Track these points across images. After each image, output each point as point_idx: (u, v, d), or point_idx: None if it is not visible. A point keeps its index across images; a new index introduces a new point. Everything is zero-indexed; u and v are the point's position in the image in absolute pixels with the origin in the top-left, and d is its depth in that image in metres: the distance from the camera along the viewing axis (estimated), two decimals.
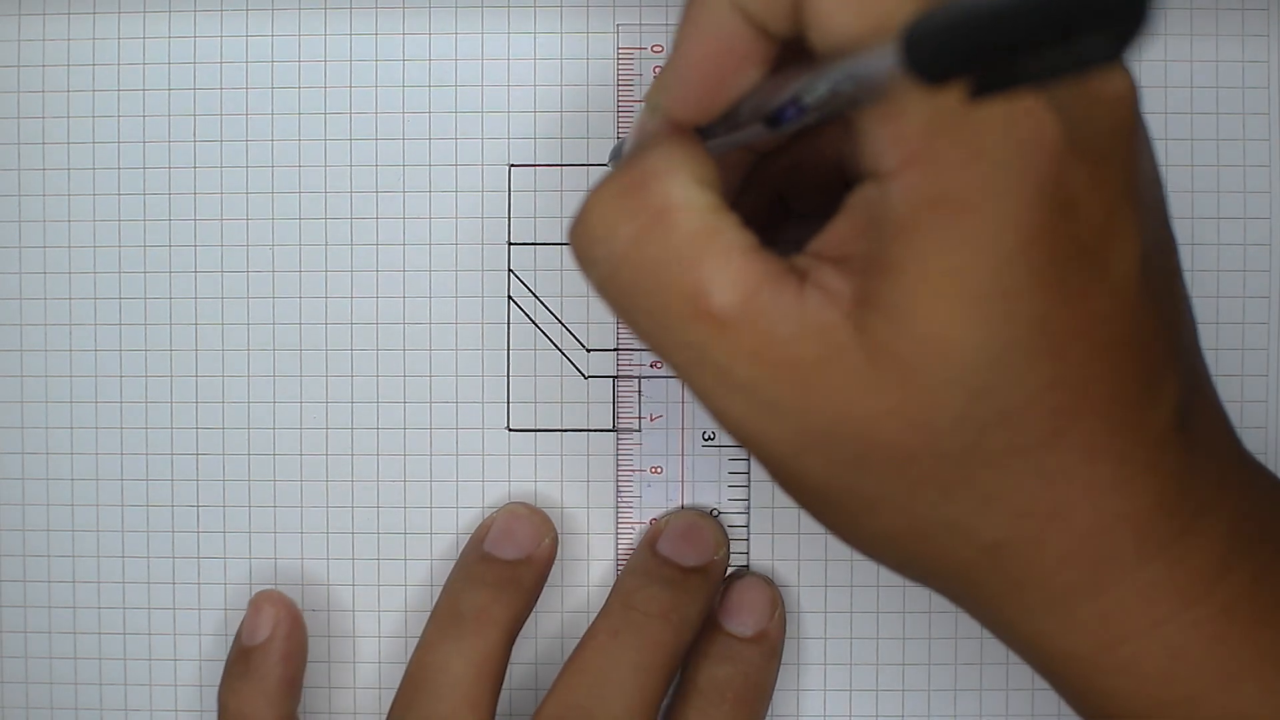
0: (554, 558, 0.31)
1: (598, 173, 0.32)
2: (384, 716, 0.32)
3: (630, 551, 0.32)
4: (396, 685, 0.31)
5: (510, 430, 0.32)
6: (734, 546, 0.32)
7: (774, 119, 0.21)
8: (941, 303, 0.19)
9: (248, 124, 0.32)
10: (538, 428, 0.32)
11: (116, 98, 0.32)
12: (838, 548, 0.32)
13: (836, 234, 0.21)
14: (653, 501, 0.32)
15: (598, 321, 0.32)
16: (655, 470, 0.32)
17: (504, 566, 0.30)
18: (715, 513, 0.32)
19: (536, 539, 0.31)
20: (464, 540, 0.32)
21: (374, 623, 0.32)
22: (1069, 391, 0.20)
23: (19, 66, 0.32)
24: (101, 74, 0.32)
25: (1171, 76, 0.32)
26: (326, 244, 0.32)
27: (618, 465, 0.32)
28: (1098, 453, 0.21)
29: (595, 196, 0.22)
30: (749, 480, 0.32)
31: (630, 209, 0.21)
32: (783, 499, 0.32)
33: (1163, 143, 0.32)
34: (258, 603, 0.31)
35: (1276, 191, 0.32)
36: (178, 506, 0.32)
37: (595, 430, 0.32)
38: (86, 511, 0.32)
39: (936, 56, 0.16)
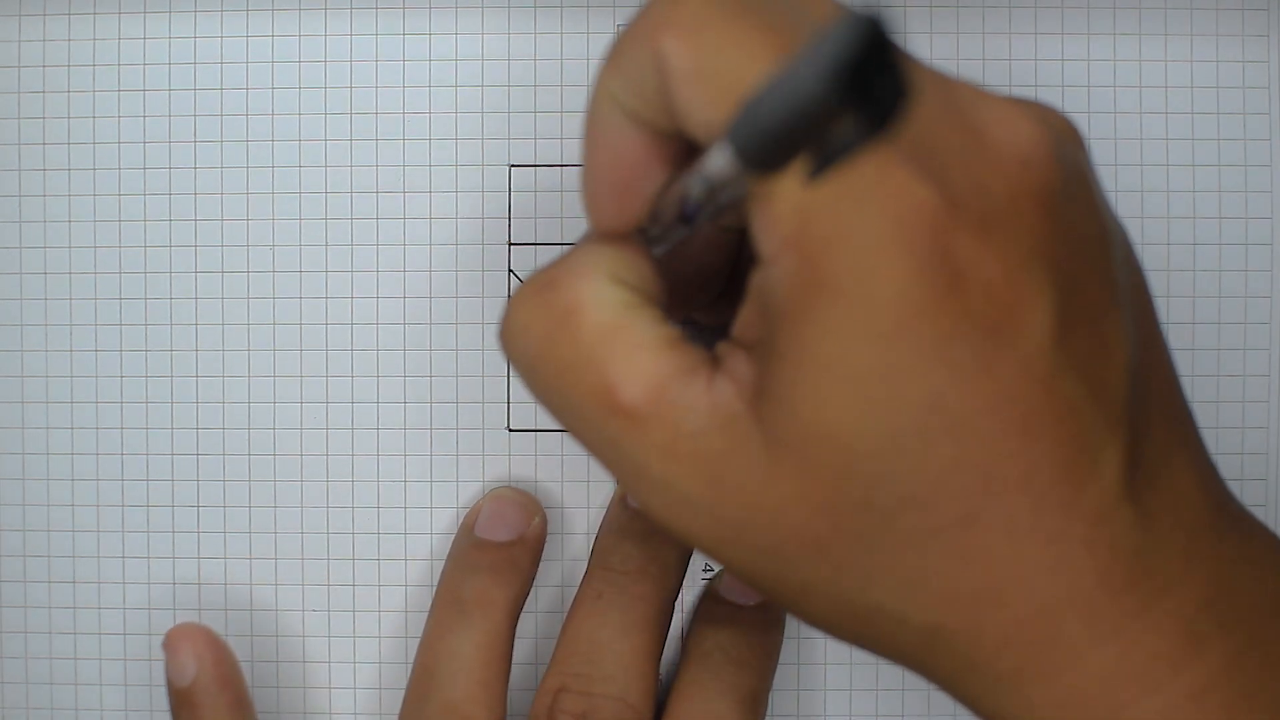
0: (545, 535, 0.31)
1: None
2: (384, 716, 0.32)
3: None
4: (397, 685, 0.31)
5: (510, 430, 0.32)
6: None
7: (685, 218, 0.21)
8: (824, 390, 0.19)
9: (248, 124, 0.32)
10: (538, 428, 0.32)
11: (117, 98, 0.32)
12: None
13: (744, 318, 0.21)
14: None
15: None
16: None
17: (499, 549, 0.30)
18: None
19: (526, 519, 0.31)
20: None
21: (374, 623, 0.32)
22: (976, 472, 0.19)
23: (19, 67, 0.32)
24: (102, 74, 0.32)
25: (1172, 76, 0.32)
26: (327, 244, 0.32)
27: None
28: (1021, 533, 0.20)
29: (516, 295, 0.22)
30: None
31: (541, 308, 0.22)
32: None
33: (1163, 143, 0.32)
34: (171, 643, 0.31)
35: (1277, 191, 0.32)
36: (178, 507, 0.32)
37: None
38: (87, 512, 0.32)
39: (756, 147, 0.16)
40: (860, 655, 0.32)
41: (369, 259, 0.32)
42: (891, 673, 0.32)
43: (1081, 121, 0.31)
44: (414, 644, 0.31)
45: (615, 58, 0.21)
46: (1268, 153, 0.32)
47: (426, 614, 0.31)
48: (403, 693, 0.30)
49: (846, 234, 0.19)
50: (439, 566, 0.32)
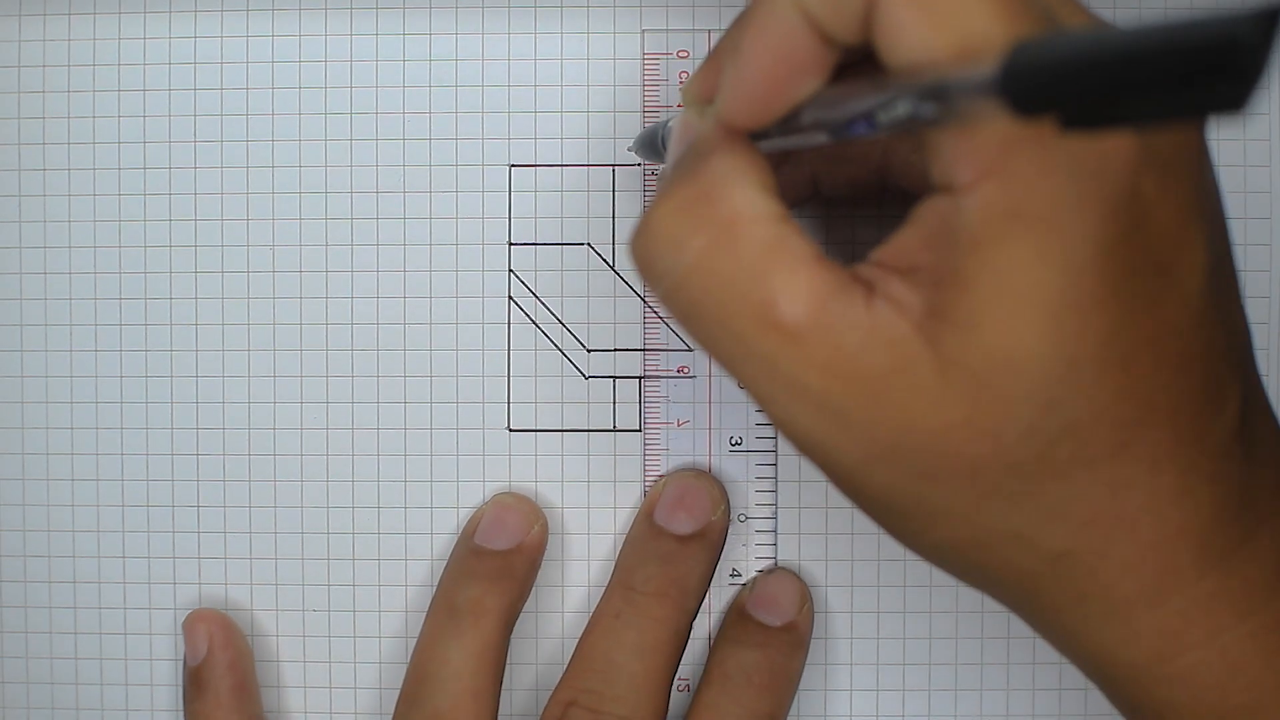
0: (545, 543, 0.31)
1: (598, 173, 0.32)
2: (384, 716, 0.32)
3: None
4: (397, 685, 0.31)
5: (510, 430, 0.32)
6: (762, 550, 0.32)
7: (840, 131, 0.21)
8: (1015, 316, 0.19)
9: (248, 124, 0.32)
10: (538, 428, 0.32)
11: (117, 98, 0.32)
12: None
13: (904, 245, 0.21)
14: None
15: (598, 322, 0.32)
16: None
17: (496, 557, 0.31)
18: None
19: (526, 527, 0.31)
20: None
21: (374, 623, 0.32)
22: (1136, 403, 0.20)
23: (19, 67, 0.32)
24: (102, 74, 0.32)
25: None
26: (327, 244, 0.32)
27: (645, 468, 0.32)
28: (1163, 463, 0.21)
29: (659, 208, 0.22)
30: (776, 483, 0.32)
31: (697, 221, 0.21)
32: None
33: None
34: (190, 624, 0.32)
35: (1277, 191, 0.32)
36: (178, 507, 0.32)
37: (595, 430, 0.32)
38: (87, 512, 0.32)
39: (1036, 91, 0.16)
40: (860, 655, 0.32)
41: (369, 259, 0.32)
42: (892, 673, 0.32)
43: None
44: (414, 644, 0.31)
45: None
46: (1268, 153, 0.32)
47: (425, 613, 0.31)
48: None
49: (1054, 168, 0.19)
50: (439, 567, 0.32)
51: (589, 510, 0.32)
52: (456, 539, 0.32)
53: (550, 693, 0.30)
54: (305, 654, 0.32)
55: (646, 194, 0.32)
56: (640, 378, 0.32)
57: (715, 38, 0.32)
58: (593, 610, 0.31)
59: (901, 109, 0.19)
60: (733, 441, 0.32)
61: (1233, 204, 0.31)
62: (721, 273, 0.21)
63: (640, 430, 0.32)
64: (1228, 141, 0.32)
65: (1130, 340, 0.20)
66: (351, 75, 0.32)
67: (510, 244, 0.32)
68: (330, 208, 0.32)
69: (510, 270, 0.32)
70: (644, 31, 0.32)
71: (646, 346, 0.32)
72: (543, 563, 0.32)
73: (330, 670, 0.32)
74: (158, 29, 0.32)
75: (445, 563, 0.32)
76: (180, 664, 0.32)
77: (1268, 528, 0.22)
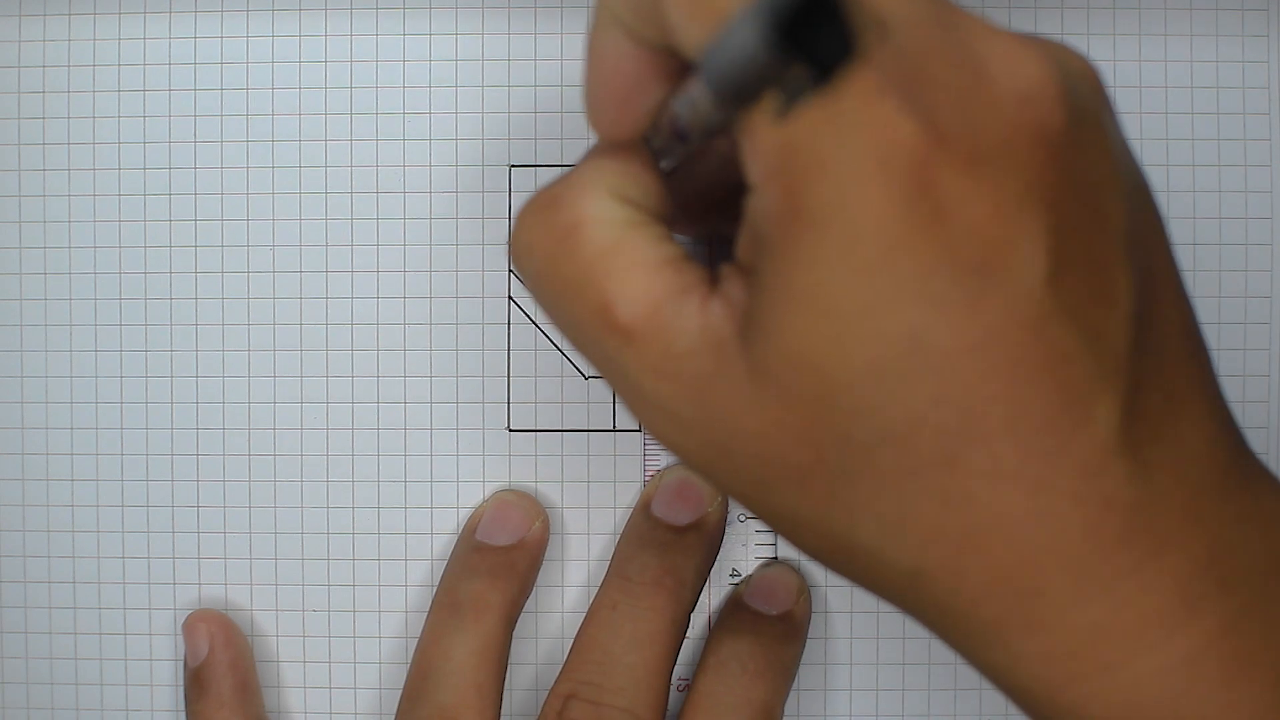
0: (546, 540, 0.32)
1: None
2: (385, 716, 0.32)
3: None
4: (397, 685, 0.31)
5: (510, 430, 0.32)
6: (761, 550, 0.32)
7: (679, 136, 0.21)
8: (803, 320, 0.19)
9: (248, 125, 0.32)
10: (538, 428, 0.32)
11: (117, 98, 0.32)
12: None
13: (741, 242, 0.21)
14: None
15: None
16: None
17: (497, 553, 0.31)
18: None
19: (527, 523, 0.31)
20: None
21: (374, 623, 0.32)
22: (959, 412, 0.19)
23: (19, 67, 0.32)
24: (102, 75, 0.32)
25: (1172, 76, 0.32)
26: (327, 244, 0.32)
27: (645, 467, 0.32)
28: (1005, 479, 0.19)
29: (521, 213, 0.23)
30: None
31: (544, 226, 0.22)
32: None
33: (1163, 143, 0.32)
34: (190, 625, 0.32)
35: (1277, 191, 0.32)
36: (178, 507, 0.32)
37: (595, 430, 0.32)
38: (86, 512, 0.32)
39: (724, 83, 0.16)
40: (860, 655, 0.32)
41: (369, 259, 0.32)
42: (892, 673, 0.32)
43: None
44: (415, 644, 0.31)
45: None
46: (1268, 153, 0.32)
47: (424, 613, 0.31)
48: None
49: (827, 166, 0.18)
50: (439, 567, 0.32)
51: (589, 510, 0.32)
52: (458, 536, 0.32)
53: (552, 683, 0.30)
54: (305, 654, 0.32)
55: None
56: None
57: None
58: (592, 600, 0.31)
59: (685, 112, 0.19)
60: None
61: (1232, 204, 0.31)
62: (563, 276, 0.22)
63: (640, 430, 0.32)
64: (1228, 141, 0.32)
65: (942, 345, 0.19)
66: (351, 75, 0.32)
67: (510, 244, 0.32)
68: (330, 208, 0.32)
69: (510, 270, 0.32)
70: None
71: None
72: (543, 561, 0.32)
73: (330, 670, 0.32)
74: (158, 29, 0.32)
75: (446, 562, 0.32)
76: (179, 665, 0.32)
77: (1171, 555, 0.20)
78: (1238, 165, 0.32)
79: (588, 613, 0.30)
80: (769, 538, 0.32)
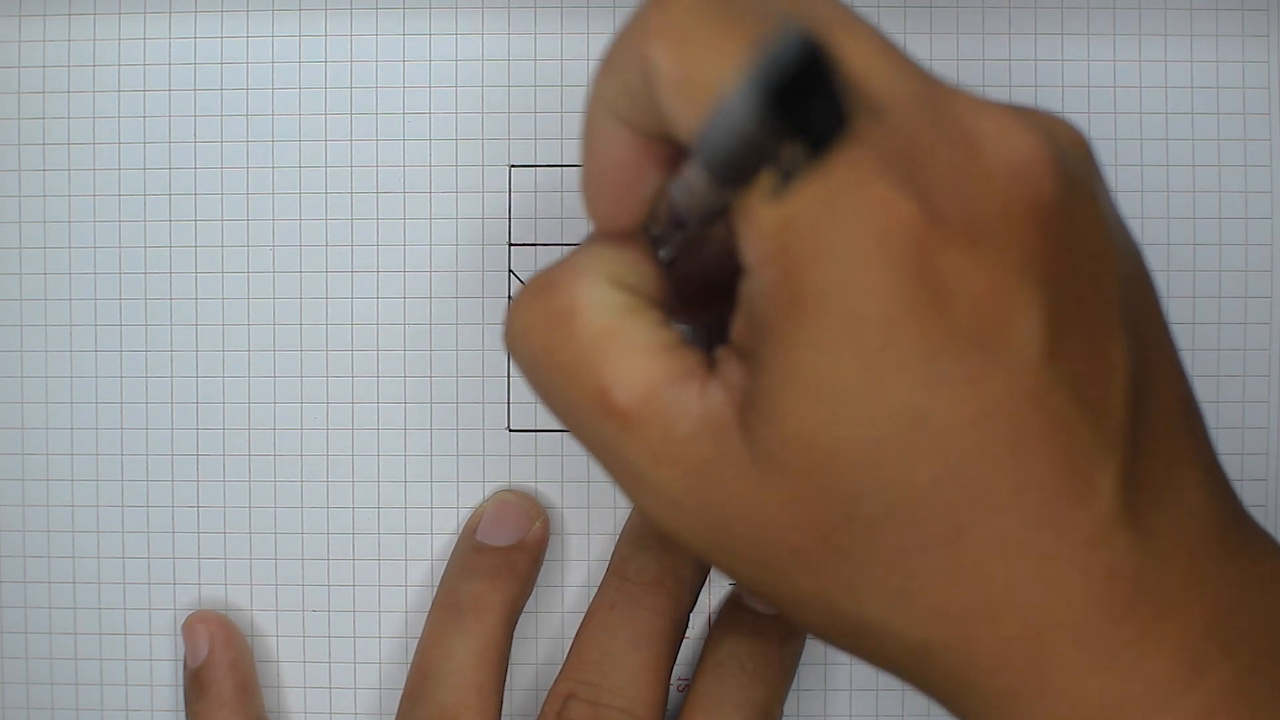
0: (546, 539, 0.32)
1: None
2: (385, 716, 0.32)
3: None
4: (397, 685, 0.31)
5: (510, 430, 0.32)
6: None
7: (677, 223, 0.21)
8: (805, 403, 0.19)
9: (248, 125, 0.32)
10: (538, 428, 0.32)
11: (117, 99, 0.32)
12: None
13: (737, 325, 0.21)
14: None
15: None
16: None
17: (498, 554, 0.31)
18: None
19: (527, 523, 0.31)
20: None
21: (374, 623, 0.32)
22: (964, 487, 0.19)
23: (19, 67, 0.32)
24: (102, 75, 0.32)
25: (1172, 76, 0.32)
26: (327, 245, 0.32)
27: None
28: (1012, 551, 0.19)
29: (518, 297, 0.23)
30: None
31: (540, 311, 0.22)
32: None
33: (1163, 143, 0.32)
34: (190, 626, 0.32)
35: (1277, 191, 0.32)
36: (177, 507, 0.32)
37: None
38: (86, 512, 0.32)
39: (718, 164, 0.16)
40: None
41: (369, 259, 0.32)
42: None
43: (1081, 121, 0.31)
44: (415, 644, 0.31)
45: (608, 63, 0.21)
46: (1268, 153, 0.32)
47: (425, 613, 0.31)
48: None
49: (825, 248, 0.18)
50: (439, 567, 0.32)
51: (589, 510, 0.32)
52: (458, 536, 0.32)
53: (551, 683, 0.30)
54: (305, 654, 0.32)
55: None
56: None
57: None
58: (591, 600, 0.31)
59: (682, 197, 0.19)
60: None
61: (1232, 204, 0.31)
62: (559, 360, 0.22)
63: None
64: (1228, 141, 0.32)
65: (945, 422, 0.19)
66: (351, 76, 0.32)
67: (510, 244, 0.32)
68: (330, 208, 0.32)
69: (510, 271, 0.32)
70: None
71: None
72: (544, 561, 0.32)
73: (330, 670, 0.32)
74: (158, 29, 0.32)
75: (446, 562, 0.32)
76: (179, 665, 0.32)
77: (1174, 620, 0.20)
78: (1238, 165, 0.32)
79: (586, 613, 0.30)
80: None
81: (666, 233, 0.22)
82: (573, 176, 0.32)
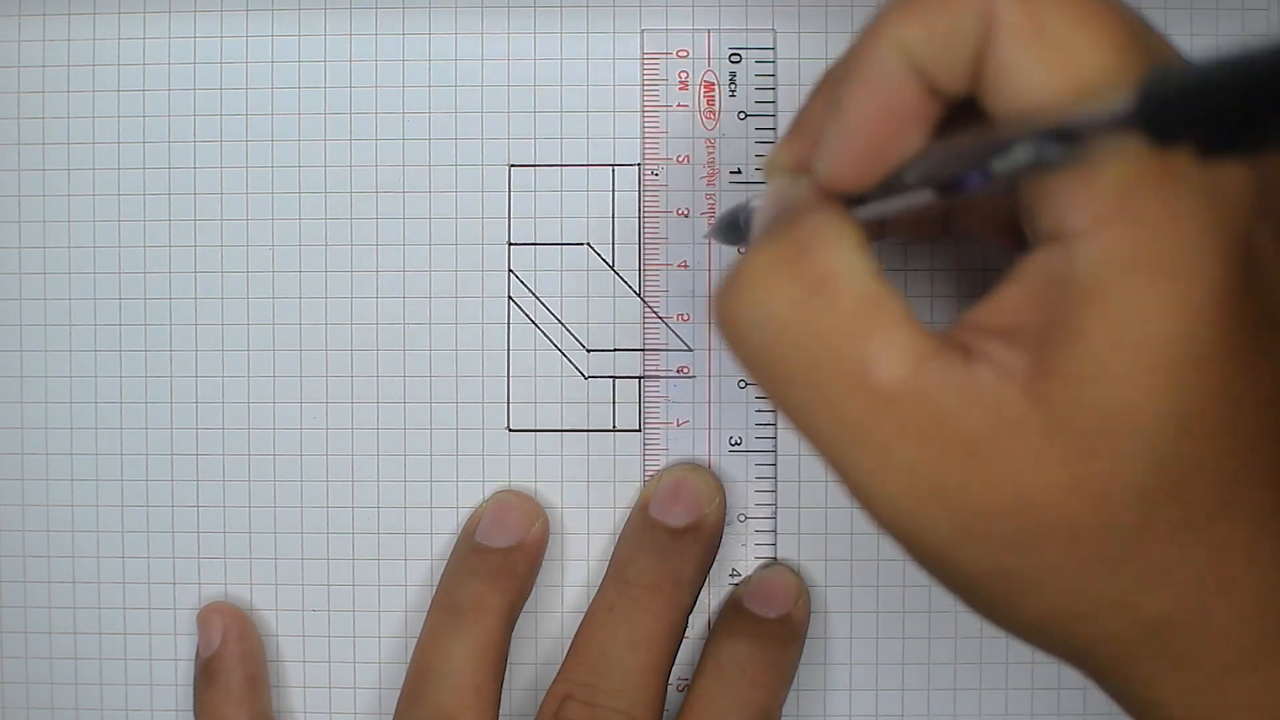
0: (546, 541, 0.32)
1: (597, 173, 0.32)
2: (384, 716, 0.32)
3: None
4: (396, 685, 0.31)
5: (510, 430, 0.32)
6: (761, 550, 0.32)
7: (949, 187, 0.20)
8: (1131, 370, 0.18)
9: (248, 124, 0.32)
10: (538, 428, 0.32)
11: (116, 98, 0.32)
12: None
13: (1006, 303, 0.20)
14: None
15: (597, 322, 0.32)
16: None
17: (496, 555, 0.31)
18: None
19: (526, 525, 0.31)
20: None
21: (374, 623, 0.32)
22: (1241, 462, 0.19)
23: (19, 67, 0.32)
24: (101, 74, 0.32)
25: None
26: (326, 244, 0.32)
27: (644, 467, 0.32)
28: (1264, 523, 0.20)
29: (749, 264, 0.21)
30: (775, 483, 0.32)
31: (790, 276, 0.20)
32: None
33: None
34: (205, 616, 0.32)
35: None
36: (177, 507, 0.32)
37: (595, 430, 0.32)
38: (86, 512, 0.32)
39: (1175, 118, 0.16)
40: (860, 655, 0.32)
41: (369, 259, 0.32)
42: (892, 673, 0.32)
43: None
44: (414, 644, 0.31)
45: (918, 5, 0.20)
46: None
47: (425, 613, 0.31)
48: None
49: (1177, 214, 0.18)
50: (439, 566, 0.32)
51: (589, 510, 0.32)
52: (457, 536, 0.32)
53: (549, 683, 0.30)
54: (305, 654, 0.32)
55: (645, 195, 0.32)
56: (640, 378, 0.32)
57: (714, 38, 0.32)
58: (590, 602, 0.31)
59: (1022, 154, 0.18)
60: (732, 441, 0.32)
61: None
62: (814, 331, 0.20)
63: (640, 430, 0.32)
64: None
65: (1240, 397, 0.19)
66: (351, 75, 0.32)
67: (510, 244, 0.32)
68: (330, 208, 0.32)
69: (510, 270, 0.32)
70: (643, 31, 0.32)
71: (646, 346, 0.32)
72: (543, 562, 0.32)
73: (330, 670, 0.32)
74: (157, 29, 0.32)
75: (445, 562, 0.32)
76: (179, 664, 0.32)
77: None
78: None
79: (586, 614, 0.30)
80: (769, 538, 0.32)
81: (888, 197, 0.21)
82: (572, 176, 0.32)
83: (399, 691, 0.30)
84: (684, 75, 0.32)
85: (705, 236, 0.31)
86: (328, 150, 0.32)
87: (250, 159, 0.32)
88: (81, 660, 0.32)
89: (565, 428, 0.32)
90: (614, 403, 0.32)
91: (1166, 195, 0.18)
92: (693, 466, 0.32)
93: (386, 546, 0.32)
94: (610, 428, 0.32)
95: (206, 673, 0.31)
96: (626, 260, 0.32)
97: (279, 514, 0.32)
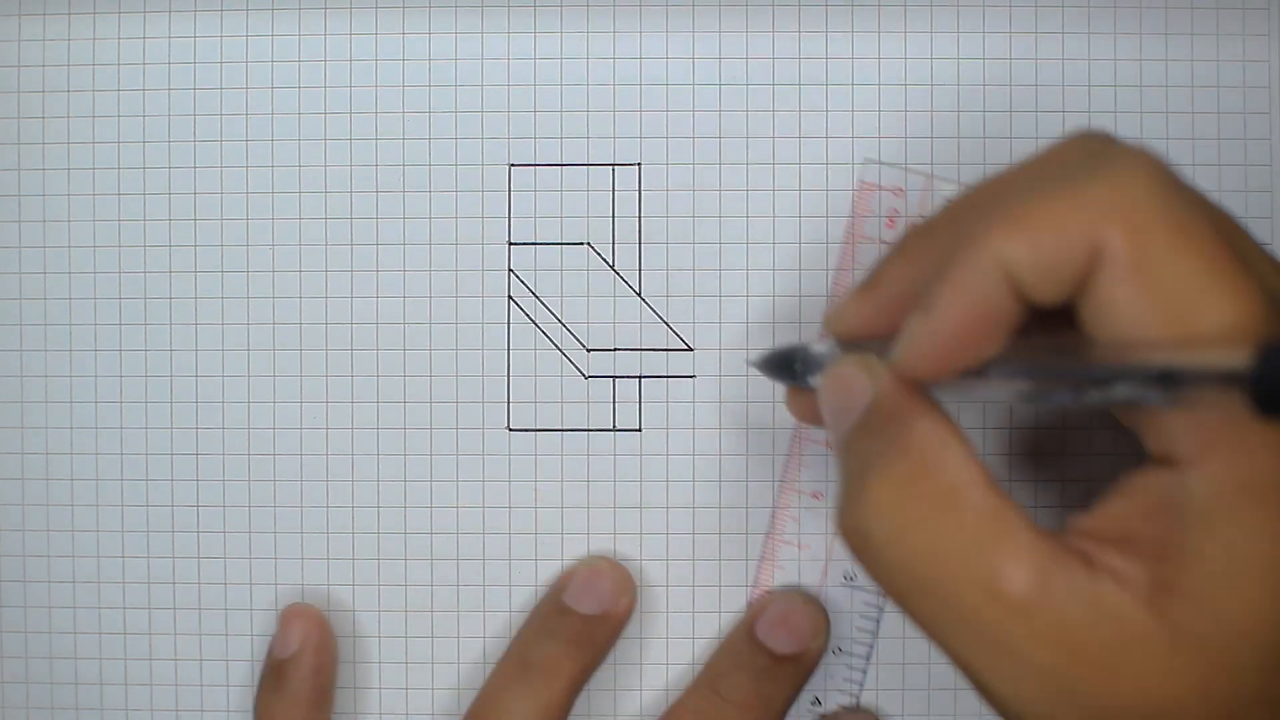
0: (631, 615, 0.31)
1: (597, 173, 0.32)
2: (384, 716, 0.32)
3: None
4: (396, 685, 0.31)
5: (510, 430, 0.32)
6: (847, 684, 0.32)
7: (1039, 398, 0.21)
8: (1248, 588, 0.20)
9: (247, 124, 0.32)
10: (538, 428, 0.32)
11: (116, 98, 0.32)
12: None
13: (1117, 515, 0.21)
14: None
15: (598, 321, 0.32)
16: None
17: (579, 620, 0.31)
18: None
19: (616, 595, 0.31)
20: (463, 540, 0.32)
21: (374, 623, 0.32)
22: None
23: (19, 66, 0.32)
24: (101, 74, 0.32)
25: (1172, 76, 0.32)
26: (326, 244, 0.32)
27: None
28: None
29: (875, 485, 0.22)
30: (877, 624, 0.32)
31: (918, 494, 0.21)
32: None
33: (1163, 142, 0.32)
34: (287, 617, 0.31)
35: (1277, 191, 0.32)
36: (177, 506, 0.32)
37: (595, 430, 0.32)
38: (86, 511, 0.32)
39: (1188, 383, 0.17)
40: (882, 655, 0.32)
41: (369, 258, 0.32)
42: (891, 673, 0.32)
43: (1082, 121, 0.31)
44: (414, 643, 0.31)
45: (1026, 224, 0.21)
46: (1268, 152, 0.32)
47: (426, 613, 0.31)
48: (403, 692, 0.30)
49: (1274, 448, 0.20)
50: (438, 566, 0.32)
51: (589, 510, 0.32)
52: (545, 593, 0.31)
53: None
54: None
55: (643, 194, 0.32)
56: (640, 377, 0.32)
57: (718, 39, 0.32)
58: (670, 703, 0.31)
59: (1121, 393, 0.19)
60: (845, 576, 0.32)
61: (1233, 203, 0.31)
62: (944, 546, 0.21)
63: (640, 430, 0.32)
64: (1228, 141, 0.32)
65: None
66: (351, 75, 0.32)
67: (510, 243, 0.32)
68: (330, 207, 0.32)
69: (510, 270, 0.32)
70: (642, 31, 0.32)
71: (646, 346, 0.32)
72: (540, 560, 0.32)
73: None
74: (157, 29, 0.32)
75: (445, 562, 0.32)
76: (178, 664, 0.32)
77: None
78: (1238, 165, 0.32)
79: (668, 712, 0.31)
80: (856, 675, 0.32)
81: (965, 391, 0.22)
82: (572, 176, 0.32)
83: (402, 690, 0.31)
84: (894, 213, 0.31)
85: (750, 364, 0.31)
86: (328, 150, 0.32)
87: (250, 158, 0.32)
88: (81, 660, 0.32)
89: (565, 427, 0.32)
90: (614, 403, 0.32)
91: (1267, 431, 0.19)
92: (804, 596, 0.31)
93: (386, 546, 0.32)
94: (610, 428, 0.32)
95: (278, 675, 0.31)
96: (626, 260, 0.32)
97: (279, 514, 0.32)
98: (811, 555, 0.32)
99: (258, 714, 0.31)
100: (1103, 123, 0.31)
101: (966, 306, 0.21)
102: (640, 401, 0.32)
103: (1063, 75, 0.32)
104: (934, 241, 0.23)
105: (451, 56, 0.32)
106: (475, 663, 0.32)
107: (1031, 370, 0.21)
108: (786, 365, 0.27)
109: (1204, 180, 0.31)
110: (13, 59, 0.32)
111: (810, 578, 0.32)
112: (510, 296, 0.32)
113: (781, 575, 0.32)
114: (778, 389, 0.31)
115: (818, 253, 0.32)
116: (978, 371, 0.22)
